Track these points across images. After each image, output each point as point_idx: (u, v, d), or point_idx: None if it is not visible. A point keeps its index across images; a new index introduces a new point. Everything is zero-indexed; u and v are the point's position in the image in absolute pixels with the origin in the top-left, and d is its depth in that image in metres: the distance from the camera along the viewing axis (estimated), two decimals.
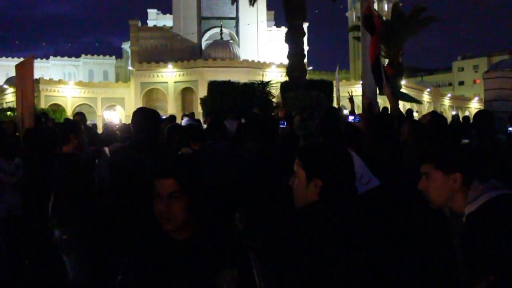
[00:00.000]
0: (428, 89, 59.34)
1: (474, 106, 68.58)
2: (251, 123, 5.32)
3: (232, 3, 27.44)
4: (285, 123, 7.62)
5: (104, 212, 3.51)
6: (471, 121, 6.55)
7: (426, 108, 56.50)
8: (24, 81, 7.78)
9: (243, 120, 8.17)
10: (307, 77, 21.06)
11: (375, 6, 19.69)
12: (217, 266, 1.90)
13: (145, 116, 3.79)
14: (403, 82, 34.34)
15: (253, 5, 23.61)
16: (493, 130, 4.30)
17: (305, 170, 2.06)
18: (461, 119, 14.81)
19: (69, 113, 45.74)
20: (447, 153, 2.10)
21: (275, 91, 21.68)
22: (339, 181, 2.05)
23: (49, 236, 4.06)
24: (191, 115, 12.32)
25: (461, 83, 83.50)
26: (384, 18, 31.05)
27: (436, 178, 2.06)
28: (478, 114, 4.62)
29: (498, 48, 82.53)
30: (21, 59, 66.04)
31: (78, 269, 3.93)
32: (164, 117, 14.31)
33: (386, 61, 30.44)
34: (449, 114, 56.58)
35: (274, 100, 19.66)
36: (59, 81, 48.50)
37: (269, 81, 20.59)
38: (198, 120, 13.07)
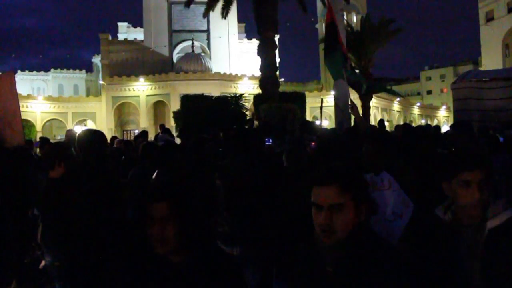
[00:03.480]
0: (398, 99, 60.52)
1: (442, 114, 70.24)
2: (238, 136, 5.34)
3: (204, 16, 27.47)
4: (270, 140, 7.69)
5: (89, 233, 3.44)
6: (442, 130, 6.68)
7: (396, 117, 57.54)
8: (4, 97, 7.59)
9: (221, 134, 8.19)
10: (280, 89, 21.19)
11: (344, 16, 20.21)
12: None
13: (93, 138, 3.84)
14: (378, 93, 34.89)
15: (225, 17, 23.68)
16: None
17: (354, 199, 1.79)
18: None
19: (39, 129, 44.86)
20: (490, 159, 2.13)
21: (248, 103, 21.74)
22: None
23: (35, 262, 3.96)
24: (167, 131, 12.13)
25: (429, 92, 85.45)
26: (354, 29, 31.53)
27: (486, 185, 2.07)
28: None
29: (462, 58, 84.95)
30: None
31: None
32: (136, 131, 14.12)
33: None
34: (418, 122, 57.66)
35: (248, 113, 19.72)
36: (28, 96, 47.36)
37: (242, 94, 20.66)
38: (172, 135, 12.91)
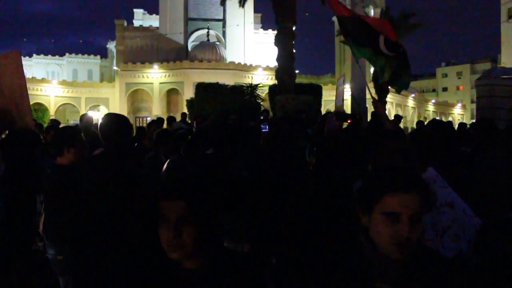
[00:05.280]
0: (413, 95, 59.73)
1: (457, 112, 69.30)
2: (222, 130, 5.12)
3: (221, 4, 27.19)
4: (267, 126, 7.39)
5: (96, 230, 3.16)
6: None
7: (410, 113, 56.86)
8: (10, 76, 7.27)
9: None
10: (295, 80, 20.85)
11: (359, 10, 19.81)
12: None
13: (115, 123, 3.46)
14: (389, 86, 34.44)
15: (243, 6, 23.32)
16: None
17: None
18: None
19: (52, 113, 45.00)
20: None
21: (262, 93, 21.44)
22: None
23: (37, 252, 3.75)
24: (184, 117, 11.97)
25: (445, 89, 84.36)
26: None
27: None
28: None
29: (480, 55, 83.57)
30: None
31: None
32: (148, 118, 13.94)
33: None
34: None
35: (263, 103, 19.43)
36: (42, 80, 47.51)
37: (258, 84, 20.35)
38: (189, 123, 12.70)
